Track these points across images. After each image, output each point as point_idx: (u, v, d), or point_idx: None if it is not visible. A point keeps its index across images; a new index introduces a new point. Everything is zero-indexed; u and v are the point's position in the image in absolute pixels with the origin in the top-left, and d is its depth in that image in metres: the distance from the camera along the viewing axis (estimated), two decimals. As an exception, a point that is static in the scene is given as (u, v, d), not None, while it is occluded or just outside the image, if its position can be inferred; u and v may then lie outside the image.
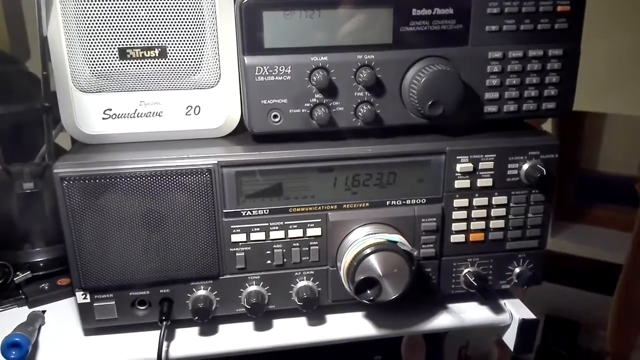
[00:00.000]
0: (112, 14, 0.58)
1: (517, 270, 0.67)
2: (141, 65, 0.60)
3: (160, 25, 0.59)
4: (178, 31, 0.59)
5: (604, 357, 1.51)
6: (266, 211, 0.61)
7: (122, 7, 0.57)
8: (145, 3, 0.58)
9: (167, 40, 0.59)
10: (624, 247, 1.38)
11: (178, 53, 0.60)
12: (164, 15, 0.58)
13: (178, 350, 0.62)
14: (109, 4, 0.57)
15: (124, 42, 0.59)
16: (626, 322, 1.28)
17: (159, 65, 0.60)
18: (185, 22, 0.59)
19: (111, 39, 0.58)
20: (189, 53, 0.60)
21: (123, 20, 0.58)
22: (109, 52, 0.59)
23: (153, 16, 0.58)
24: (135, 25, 0.58)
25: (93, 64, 0.59)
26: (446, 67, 0.58)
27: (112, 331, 0.63)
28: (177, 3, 0.58)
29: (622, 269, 1.28)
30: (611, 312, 1.31)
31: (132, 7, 0.58)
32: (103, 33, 0.58)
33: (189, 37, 0.60)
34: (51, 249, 0.76)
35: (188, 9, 0.59)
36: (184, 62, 0.60)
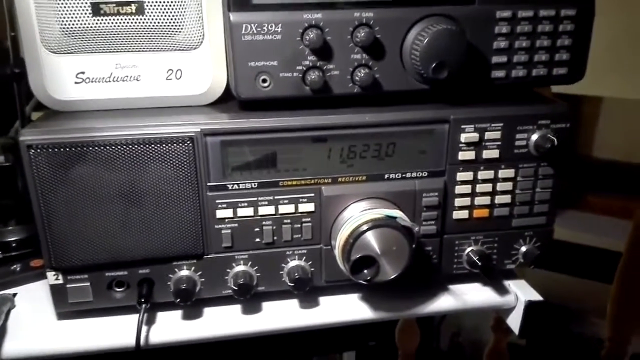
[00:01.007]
0: (83, -36, 0.52)
1: (524, 249, 0.63)
2: (116, 23, 0.55)
3: (137, -22, 0.53)
4: (157, -15, 0.54)
5: (597, 343, 1.49)
6: (254, 185, 0.56)
7: (94, -43, 0.52)
8: (119, -47, 0.52)
9: (145, -5, 0.54)
10: (618, 234, 1.35)
11: (157, 9, 0.55)
12: (141, -33, 0.53)
13: (159, 335, 0.58)
14: (79, -47, 0.52)
15: (96, -4, 0.53)
16: (626, 307, 1.25)
17: (135, 22, 0.55)
18: (165, -26, 0.54)
19: (83, -8, 0.53)
20: (169, 9, 0.55)
21: (95, -29, 0.52)
22: (81, 7, 0.54)
23: (129, -32, 0.53)
24: (109, -22, 0.53)
25: (63, 21, 0.54)
26: (451, 26, 0.53)
27: (88, 315, 0.59)
28: (155, -47, 0.53)
29: (623, 254, 1.25)
30: (610, 297, 1.28)
31: (105, -43, 0.52)
32: (73, -14, 0.53)
33: (169, -8, 0.54)
34: (24, 227, 0.71)
35: (168, -40, 0.53)
36: (164, 19, 0.55)
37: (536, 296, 0.64)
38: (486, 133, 0.58)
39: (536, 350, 1.55)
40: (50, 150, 0.52)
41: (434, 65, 0.54)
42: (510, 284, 0.66)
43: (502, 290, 0.65)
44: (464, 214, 0.61)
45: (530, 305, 0.63)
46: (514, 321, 0.65)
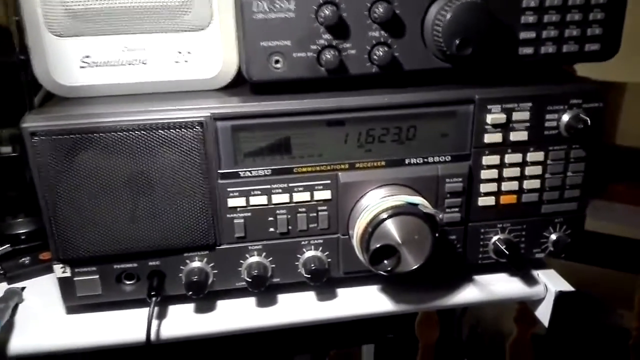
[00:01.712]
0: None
1: (554, 236, 0.60)
2: (122, 3, 0.52)
3: (142, -44, 0.51)
4: (163, -38, 0.51)
5: (623, 333, 1.45)
6: (268, 171, 0.54)
7: None
8: None
9: (150, -27, 0.51)
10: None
11: (163, -13, 0.52)
12: (146, -57, 0.50)
13: (170, 330, 0.56)
14: None
15: (101, -25, 0.51)
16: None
17: (142, 2, 0.52)
18: (171, -49, 0.51)
19: (86, -28, 0.51)
20: (176, -13, 0.52)
21: (99, -51, 0.50)
22: (84, -13, 0.51)
23: (133, -56, 0.50)
24: (113, -44, 0.50)
25: (67, 3, 0.52)
26: (476, 0, 0.50)
27: (97, 309, 0.57)
28: None
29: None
30: (638, 288, 1.23)
31: None
32: (77, -35, 0.50)
33: (176, -30, 0.52)
34: (33, 219, 0.69)
35: (174, -64, 0.51)
36: (171, -2, 0.52)
37: (567, 286, 0.61)
38: (514, 114, 0.54)
39: (559, 340, 1.51)
40: (54, 137, 0.49)
41: (457, 41, 0.50)
42: (539, 273, 0.63)
43: (531, 281, 0.62)
44: (490, 201, 0.57)
45: (560, 296, 0.60)
46: (543, 313, 0.62)
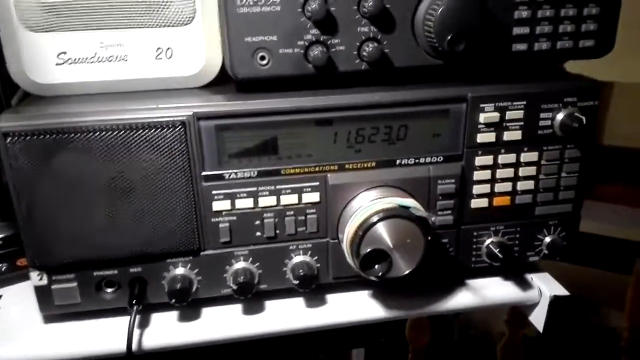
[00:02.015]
0: None
1: (548, 239, 0.58)
2: (99, -3, 0.49)
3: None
4: (142, -46, 0.49)
5: (611, 333, 1.45)
6: (254, 173, 0.52)
7: None
8: None
9: (129, -34, 0.49)
10: (632, 224, 1.29)
11: (143, -19, 0.49)
12: None
13: (153, 339, 0.54)
14: None
15: (77, -33, 0.48)
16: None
17: (120, -4, 0.50)
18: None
19: (61, -36, 0.48)
20: (156, -19, 0.50)
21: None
22: (59, -20, 0.48)
23: None
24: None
25: (41, -4, 0.49)
26: (468, -6, 0.48)
27: (76, 318, 0.55)
28: None
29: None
30: (630, 286, 1.23)
31: None
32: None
33: (156, -38, 0.49)
34: (10, 224, 0.66)
35: None
36: (151, -8, 0.50)
37: (561, 290, 0.59)
38: (507, 112, 0.53)
39: (552, 343, 1.50)
40: (29, 138, 0.47)
41: (449, 37, 0.49)
42: (533, 277, 0.61)
43: (525, 285, 0.60)
44: (483, 203, 0.56)
45: (555, 300, 0.58)
46: (538, 317, 0.60)
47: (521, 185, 0.56)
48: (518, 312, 1.17)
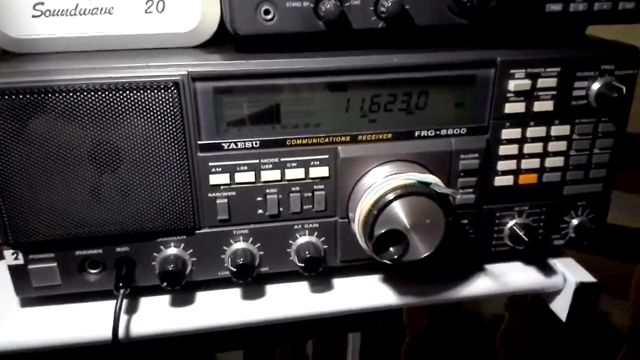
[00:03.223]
0: None
1: (575, 221, 0.54)
2: (80, -62, 0.43)
3: None
4: None
5: (623, 321, 1.43)
6: (256, 144, 0.47)
7: None
8: None
9: None
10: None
11: None
12: None
13: (142, 326, 0.49)
14: None
15: None
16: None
17: (105, -63, 0.44)
18: None
19: None
20: None
21: None
22: None
23: None
24: None
25: (14, -64, 0.43)
26: (502, -57, 0.43)
27: (56, 301, 0.51)
28: None
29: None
30: (634, 277, 1.20)
31: None
32: None
33: None
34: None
35: None
36: None
37: (587, 277, 0.55)
38: (539, 80, 0.48)
39: (552, 329, 1.48)
40: (1, 98, 0.41)
41: (480, -9, 0.43)
42: (556, 262, 0.56)
43: (548, 270, 0.56)
44: (508, 180, 0.51)
45: (581, 288, 0.54)
46: (561, 305, 0.56)
47: (550, 162, 0.51)
48: (518, 296, 1.14)
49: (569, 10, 0.48)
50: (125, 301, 0.49)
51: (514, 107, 0.48)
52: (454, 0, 0.45)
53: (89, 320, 0.49)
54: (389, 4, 0.44)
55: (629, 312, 1.24)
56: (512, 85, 0.47)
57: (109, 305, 0.48)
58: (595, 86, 0.49)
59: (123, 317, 0.49)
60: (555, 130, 0.50)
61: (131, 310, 0.50)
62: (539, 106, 0.49)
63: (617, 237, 1.49)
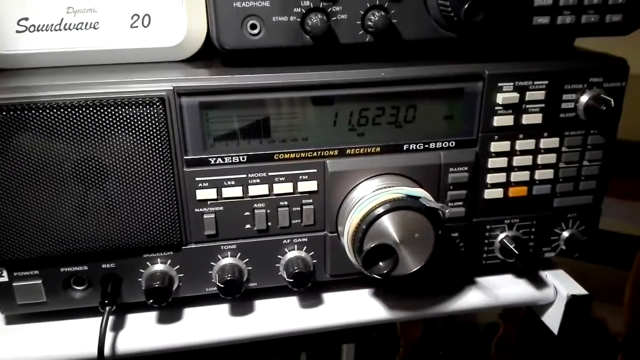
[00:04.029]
0: None
1: (566, 234, 0.53)
2: (65, -47, 0.43)
3: None
4: None
5: (618, 329, 1.42)
6: (243, 158, 0.46)
7: None
8: None
9: None
10: (636, 219, 1.26)
11: None
12: None
13: (128, 343, 0.49)
14: None
15: None
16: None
17: (90, -48, 0.43)
18: None
19: None
20: None
21: None
22: None
23: None
24: None
25: (-3, -48, 0.43)
26: (488, -43, 0.43)
27: (42, 318, 0.51)
28: None
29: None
30: (629, 283, 1.20)
31: None
32: None
33: None
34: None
35: None
36: (125, -52, 0.44)
37: (579, 289, 0.54)
38: (527, 93, 0.48)
39: (547, 338, 1.48)
40: (-18, 115, 0.41)
41: (466, 5, 0.43)
42: (547, 274, 0.56)
43: (539, 283, 0.55)
44: (497, 193, 0.51)
45: (573, 300, 0.53)
46: (552, 318, 0.56)
47: (539, 175, 0.51)
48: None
49: (556, 23, 0.48)
50: (111, 318, 0.48)
51: (502, 120, 0.48)
52: (441, 14, 0.45)
53: (75, 338, 0.48)
54: (376, 19, 0.44)
55: (624, 319, 1.24)
56: (500, 98, 0.47)
57: (95, 322, 0.48)
58: (584, 99, 0.49)
59: (109, 334, 0.48)
60: (545, 142, 0.50)
61: (117, 327, 0.49)
62: (527, 119, 0.48)
63: (611, 243, 1.50)
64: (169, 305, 0.48)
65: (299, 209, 0.48)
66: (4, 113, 0.41)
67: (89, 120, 0.42)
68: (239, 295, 0.48)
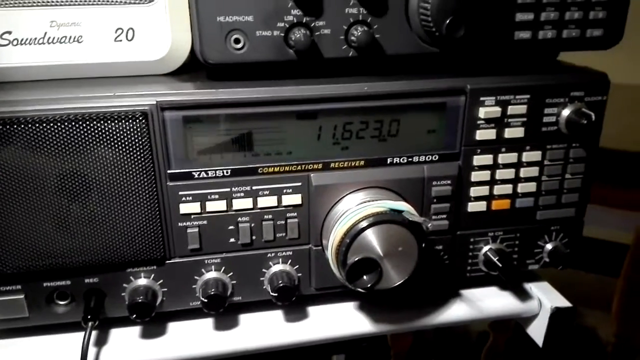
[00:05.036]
0: None
1: (549, 246, 0.54)
2: (48, -32, 0.43)
3: None
4: None
5: (607, 337, 1.43)
6: (227, 172, 0.46)
7: None
8: None
9: None
10: (624, 226, 1.27)
11: (99, -51, 0.43)
12: None
13: (112, 358, 0.48)
14: None
15: None
16: (633, 302, 1.18)
17: (73, -33, 0.43)
18: None
19: None
20: (114, -50, 0.43)
21: None
22: (1, -54, 0.42)
23: None
24: None
25: (-20, -34, 0.42)
26: (469, -27, 0.43)
27: (24, 334, 0.50)
28: None
29: (630, 248, 1.17)
30: (616, 292, 1.20)
31: None
32: None
33: None
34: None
35: None
36: (109, -37, 0.44)
37: (563, 301, 0.54)
38: (509, 107, 0.48)
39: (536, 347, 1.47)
40: (-36, 129, 0.40)
41: (448, 21, 0.43)
42: (531, 287, 0.56)
43: (524, 295, 0.56)
44: (481, 206, 0.51)
45: (557, 313, 0.53)
46: (537, 330, 0.56)
47: (522, 188, 0.51)
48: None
49: (538, 37, 0.49)
50: (94, 332, 0.48)
51: (484, 134, 0.48)
52: (423, 29, 0.45)
53: (58, 353, 0.48)
54: (359, 34, 0.44)
55: (612, 329, 1.24)
56: (482, 112, 0.48)
57: (78, 337, 0.47)
58: (565, 112, 0.49)
59: (92, 350, 0.47)
60: (527, 156, 0.50)
61: (101, 342, 0.49)
62: (509, 132, 0.49)
63: (598, 251, 1.51)
64: (152, 320, 0.47)
65: (284, 222, 0.48)
66: (-14, 127, 0.41)
67: (72, 134, 0.42)
68: (222, 310, 0.48)
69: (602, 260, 1.47)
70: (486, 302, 0.55)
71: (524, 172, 0.51)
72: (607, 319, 1.29)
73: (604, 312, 1.32)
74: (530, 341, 0.57)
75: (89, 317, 0.46)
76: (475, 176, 0.50)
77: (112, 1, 0.45)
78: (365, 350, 1.29)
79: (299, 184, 0.47)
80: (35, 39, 0.46)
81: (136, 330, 0.50)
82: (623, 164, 1.49)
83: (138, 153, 0.43)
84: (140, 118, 0.42)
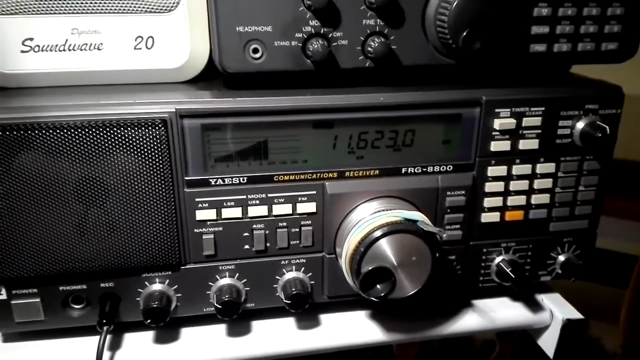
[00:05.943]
0: None
1: (562, 258, 0.54)
2: (71, -23, 0.44)
3: None
4: None
5: (613, 349, 1.42)
6: (243, 179, 0.47)
7: None
8: None
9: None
10: (633, 237, 1.27)
11: (122, -40, 0.44)
12: None
13: None
14: None
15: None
16: (640, 314, 1.17)
17: (96, -23, 0.44)
18: None
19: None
20: (137, -40, 0.44)
21: None
22: (26, -45, 0.43)
23: None
24: None
25: (5, -26, 0.43)
26: (486, -13, 0.43)
27: (39, 337, 0.50)
28: None
29: (639, 259, 1.17)
30: (624, 304, 1.20)
31: None
32: None
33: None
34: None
35: None
36: (131, -27, 0.45)
37: (575, 313, 0.55)
38: (524, 119, 0.48)
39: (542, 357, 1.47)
40: (-15, 134, 0.41)
41: (465, 33, 0.44)
42: (543, 298, 0.56)
43: (535, 306, 0.56)
44: (494, 217, 0.51)
45: (568, 324, 0.53)
46: (548, 342, 0.56)
47: (536, 199, 0.51)
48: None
49: (553, 50, 0.49)
50: (109, 337, 0.48)
51: (499, 145, 0.49)
52: (440, 41, 0.46)
53: (72, 357, 0.48)
54: (376, 45, 0.45)
55: (619, 340, 1.24)
56: (497, 124, 0.48)
57: (93, 341, 0.47)
58: (580, 125, 0.49)
59: (106, 354, 0.48)
60: (541, 167, 0.50)
61: (115, 346, 0.49)
62: (524, 144, 0.49)
63: (607, 262, 1.50)
64: (166, 325, 0.48)
65: (298, 230, 0.49)
66: (8, 132, 0.41)
67: (92, 140, 0.42)
68: (236, 316, 0.48)
69: (610, 272, 1.46)
70: (498, 312, 0.55)
71: (537, 183, 0.51)
72: (613, 330, 1.28)
73: (610, 323, 1.32)
74: (536, 351, 0.57)
75: (104, 321, 0.47)
76: (489, 187, 0.50)
77: (133, 10, 0.46)
78: (371, 359, 1.29)
79: (314, 192, 0.48)
80: (57, 45, 0.46)
81: (150, 335, 0.51)
82: (633, 174, 1.49)
83: (156, 160, 0.44)
84: (160, 125, 0.43)
